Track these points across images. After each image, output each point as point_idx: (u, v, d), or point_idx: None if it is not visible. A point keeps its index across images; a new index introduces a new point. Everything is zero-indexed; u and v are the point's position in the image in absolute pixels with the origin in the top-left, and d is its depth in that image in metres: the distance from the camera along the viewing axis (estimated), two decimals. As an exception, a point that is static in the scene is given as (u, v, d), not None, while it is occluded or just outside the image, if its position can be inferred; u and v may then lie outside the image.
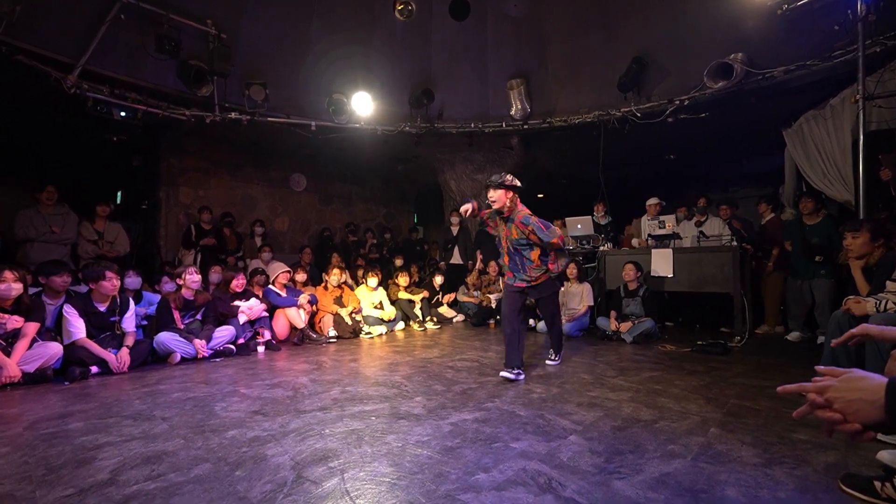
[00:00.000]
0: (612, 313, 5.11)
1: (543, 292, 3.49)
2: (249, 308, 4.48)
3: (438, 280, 6.79)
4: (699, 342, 4.35)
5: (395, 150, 7.62)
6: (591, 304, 5.44)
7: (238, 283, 4.67)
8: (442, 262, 7.57)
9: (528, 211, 3.38)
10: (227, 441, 2.17)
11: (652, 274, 5.28)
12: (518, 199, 3.41)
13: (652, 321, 4.84)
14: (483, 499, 1.62)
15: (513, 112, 6.54)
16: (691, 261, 5.12)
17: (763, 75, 5.00)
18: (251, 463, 1.93)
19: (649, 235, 5.71)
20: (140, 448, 2.09)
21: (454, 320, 6.72)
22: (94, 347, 3.49)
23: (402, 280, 6.38)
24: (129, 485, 1.74)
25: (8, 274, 3.21)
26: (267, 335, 4.58)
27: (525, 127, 6.66)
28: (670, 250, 5.24)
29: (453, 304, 6.96)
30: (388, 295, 6.20)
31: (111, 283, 3.66)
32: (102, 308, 3.62)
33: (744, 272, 4.89)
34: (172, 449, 2.07)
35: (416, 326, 6.12)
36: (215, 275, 5.00)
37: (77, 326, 3.44)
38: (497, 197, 3.31)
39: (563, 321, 5.37)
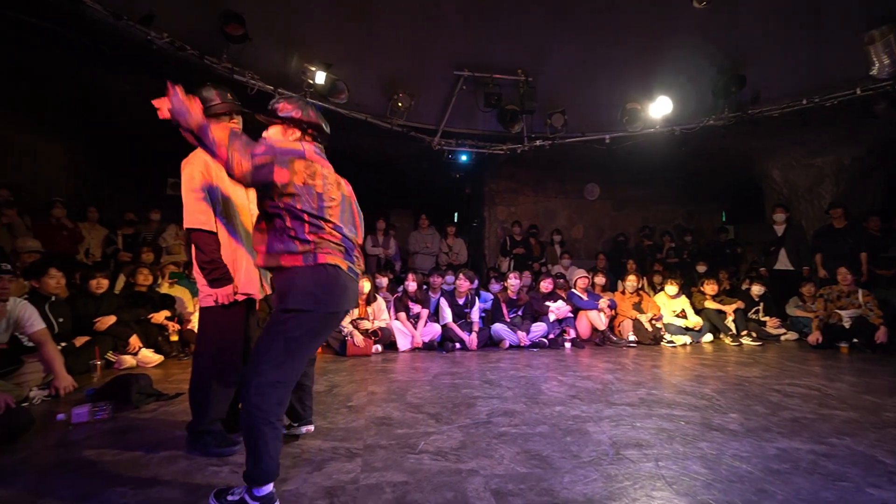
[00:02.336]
0: None
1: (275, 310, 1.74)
2: (557, 308, 5.23)
3: (756, 289, 5.84)
4: None
5: (695, 146, 7.02)
6: None
7: (545, 285, 5.52)
8: (762, 268, 6.44)
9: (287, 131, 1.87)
10: (556, 413, 2.79)
11: None
12: (309, 140, 1.89)
13: None
14: (818, 526, 1.58)
15: (874, 71, 4.96)
16: None
17: None
18: (577, 433, 2.46)
19: None
20: (499, 405, 2.97)
21: (782, 338, 5.64)
22: (457, 329, 4.95)
23: (709, 288, 5.85)
24: (499, 426, 2.56)
25: (410, 275, 5.01)
26: (572, 333, 5.23)
27: (899, 86, 4.94)
28: None
29: (783, 320, 5.83)
30: (693, 303, 5.82)
31: (461, 282, 5.09)
32: (461, 301, 5.09)
33: None
34: (519, 410, 2.85)
35: (728, 340, 5.51)
36: (526, 279, 6.05)
37: (448, 313, 4.98)
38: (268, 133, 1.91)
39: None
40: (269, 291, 2.45)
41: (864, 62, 5.02)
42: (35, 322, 2.89)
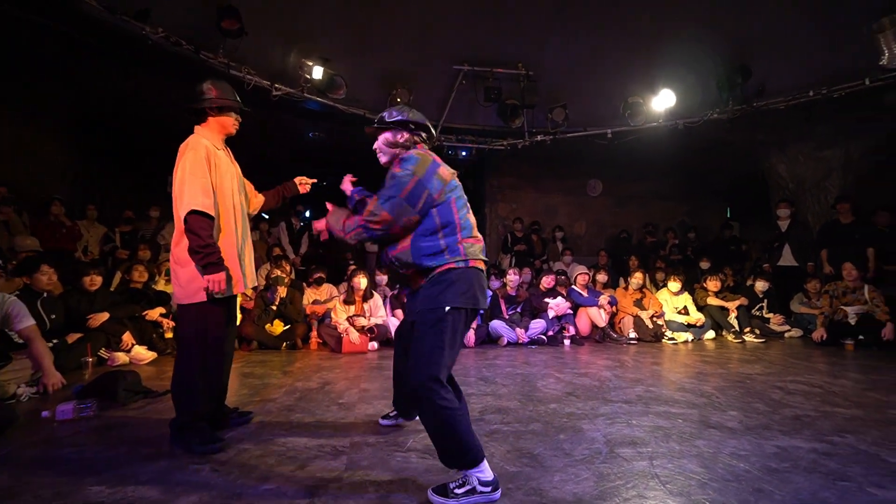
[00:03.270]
0: None
1: (417, 309, 1.88)
2: (557, 305, 5.16)
3: (760, 286, 5.74)
4: None
5: (699, 140, 6.91)
6: None
7: (547, 281, 5.46)
8: (766, 265, 6.33)
9: (424, 151, 1.93)
10: (550, 410, 2.73)
11: None
12: (418, 144, 1.98)
13: None
14: (817, 528, 1.52)
15: (884, 61, 4.82)
16: None
17: None
18: (571, 431, 2.39)
19: None
20: (493, 402, 2.91)
21: (786, 335, 5.54)
22: (454, 326, 4.89)
23: (713, 284, 5.75)
24: (491, 424, 2.51)
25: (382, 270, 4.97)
26: (572, 330, 5.16)
27: (908, 77, 4.81)
28: None
29: (787, 316, 5.73)
30: (696, 300, 5.73)
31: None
32: (458, 299, 5.03)
33: None
34: (513, 407, 2.79)
35: (730, 337, 5.41)
36: (526, 275, 5.98)
37: (445, 311, 4.92)
38: (378, 147, 2.01)
39: None
40: (253, 284, 2.42)
41: (874, 52, 4.89)
42: (24, 318, 2.86)
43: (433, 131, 2.07)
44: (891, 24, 4.71)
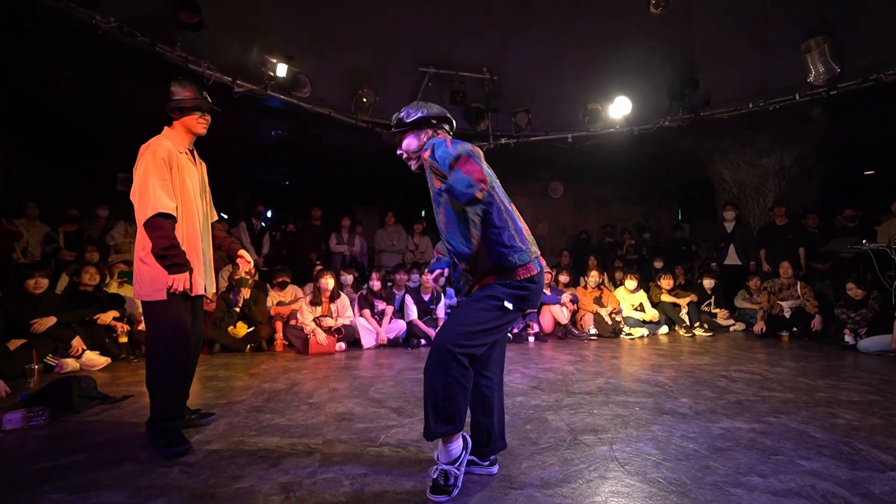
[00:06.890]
0: None
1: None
2: (521, 303, 5.31)
3: (708, 283, 6.15)
4: None
5: (652, 146, 7.31)
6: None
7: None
8: (713, 263, 6.78)
9: (446, 136, 1.79)
10: (517, 403, 2.84)
11: None
12: (440, 133, 1.82)
13: None
14: (755, 498, 1.68)
15: (811, 79, 5.32)
16: None
17: None
18: (537, 422, 2.51)
19: None
20: (462, 397, 2.98)
21: (731, 329, 5.96)
22: (422, 325, 4.94)
23: (665, 282, 6.10)
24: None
25: (374, 273, 4.97)
26: (536, 328, 5.33)
27: (832, 93, 5.31)
28: None
29: (731, 311, 6.16)
30: (650, 297, 6.06)
31: (427, 277, 5.09)
32: (426, 298, 5.08)
33: None
34: (482, 401, 2.88)
35: (682, 332, 5.77)
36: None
37: (413, 310, 4.96)
38: (407, 147, 1.84)
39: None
40: (213, 290, 2.46)
41: (803, 70, 5.38)
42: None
43: (454, 122, 1.91)
44: (816, 46, 5.20)
